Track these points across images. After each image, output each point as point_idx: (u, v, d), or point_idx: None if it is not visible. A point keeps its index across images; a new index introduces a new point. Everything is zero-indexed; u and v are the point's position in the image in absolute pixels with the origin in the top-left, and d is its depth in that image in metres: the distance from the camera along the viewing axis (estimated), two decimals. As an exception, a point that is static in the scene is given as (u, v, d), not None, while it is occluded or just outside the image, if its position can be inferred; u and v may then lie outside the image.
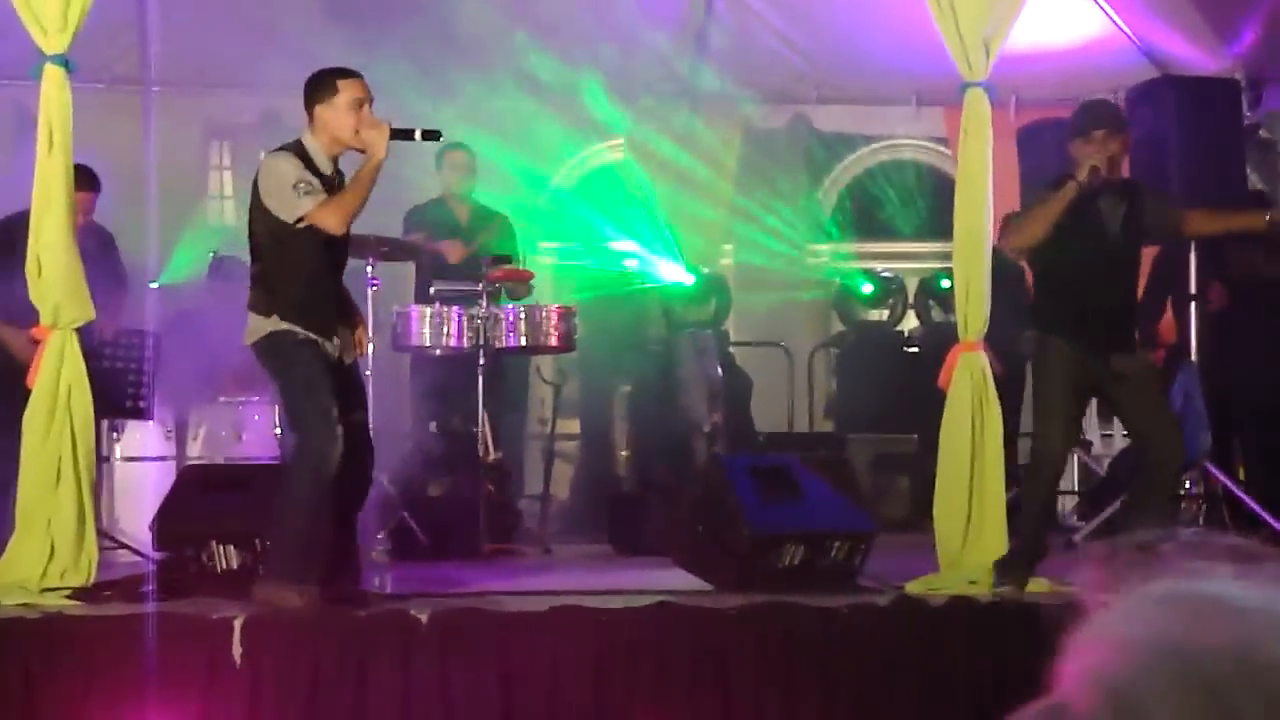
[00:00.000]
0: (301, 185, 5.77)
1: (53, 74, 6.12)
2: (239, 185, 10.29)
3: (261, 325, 5.91)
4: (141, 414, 7.67)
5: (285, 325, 5.87)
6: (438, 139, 6.26)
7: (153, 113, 9.25)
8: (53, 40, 6.10)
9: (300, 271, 5.91)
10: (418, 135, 6.08)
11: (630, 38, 9.13)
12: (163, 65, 9.23)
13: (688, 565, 6.65)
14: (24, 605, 5.87)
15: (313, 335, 5.89)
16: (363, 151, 5.87)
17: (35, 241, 6.18)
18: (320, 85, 5.91)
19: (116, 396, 7.37)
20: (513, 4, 8.77)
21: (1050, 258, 6.35)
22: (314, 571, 5.78)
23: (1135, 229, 6.39)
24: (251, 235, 5.97)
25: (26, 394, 6.22)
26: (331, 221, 5.81)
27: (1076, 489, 9.52)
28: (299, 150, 5.88)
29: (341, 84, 5.89)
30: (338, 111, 5.86)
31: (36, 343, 6.25)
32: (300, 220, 5.79)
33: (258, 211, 5.89)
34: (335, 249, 6.02)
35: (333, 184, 5.91)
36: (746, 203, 10.43)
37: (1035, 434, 6.42)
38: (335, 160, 5.97)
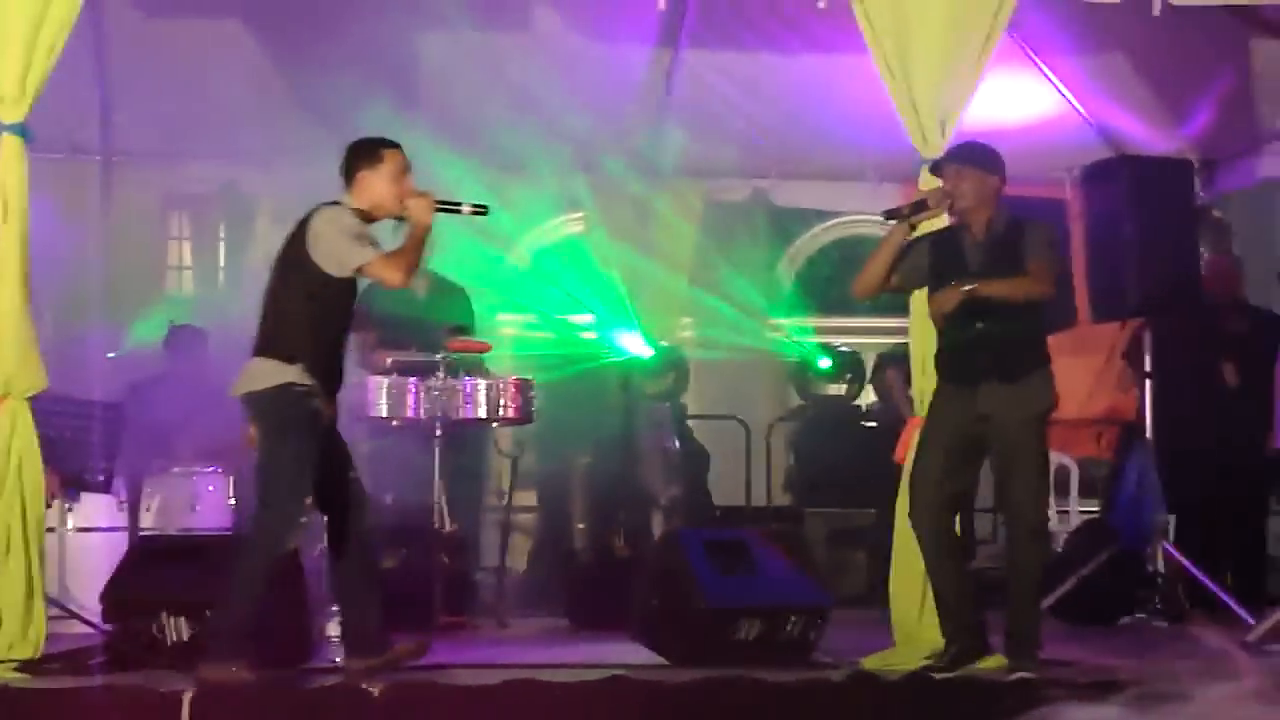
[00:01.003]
0: (365, 237, 5.88)
1: (9, 143, 6.11)
2: (197, 255, 10.29)
3: (277, 373, 5.83)
4: (103, 487, 7.64)
5: (305, 380, 5.83)
6: (485, 213, 6.22)
7: (112, 182, 9.26)
8: (9, 109, 6.09)
9: (328, 329, 5.94)
10: (465, 209, 6.13)
11: (591, 111, 9.18)
12: (122, 135, 9.24)
13: (645, 639, 6.64)
14: (-29, 678, 5.81)
15: (317, 398, 5.89)
16: (400, 219, 5.96)
17: (-10, 310, 6.15)
18: (365, 152, 6.03)
19: (76, 469, 7.32)
20: (474, 78, 8.81)
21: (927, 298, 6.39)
22: (250, 647, 5.74)
23: (1000, 265, 6.14)
24: (279, 285, 5.93)
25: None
26: (395, 275, 5.86)
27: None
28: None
29: (387, 153, 6.02)
30: (383, 178, 5.98)
31: None
32: (359, 270, 5.85)
33: (296, 261, 5.88)
34: (348, 316, 6.07)
35: None
36: (706, 276, 10.47)
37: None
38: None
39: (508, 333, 10.41)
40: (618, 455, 9.13)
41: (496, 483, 9.46)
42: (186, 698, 5.38)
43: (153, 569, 6.54)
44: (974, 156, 6.27)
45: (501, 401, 7.97)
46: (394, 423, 7.95)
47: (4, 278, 6.14)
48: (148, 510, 7.98)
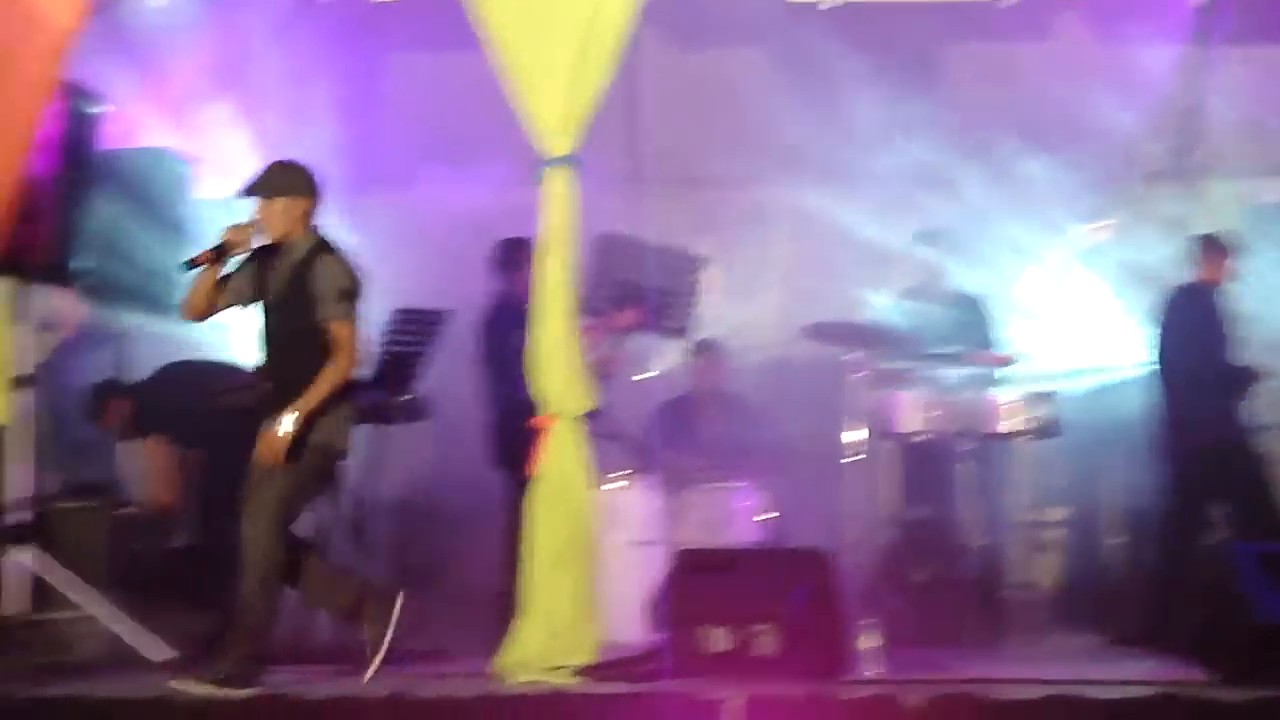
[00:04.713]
0: None
1: (559, 175, 6.45)
2: (723, 279, 10.49)
3: None
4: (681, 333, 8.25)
5: None
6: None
7: (641, 210, 9.58)
8: (559, 142, 6.43)
9: None
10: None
11: (1118, 115, 8.95)
12: (651, 162, 9.57)
13: (1188, 656, 6.42)
14: (531, 682, 6.14)
15: None
16: None
17: (539, 335, 6.50)
18: None
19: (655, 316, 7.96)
20: (991, 88, 8.74)
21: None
22: None
23: (296, 295, 6.31)
24: None
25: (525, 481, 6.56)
26: None
27: None
28: None
29: None
30: None
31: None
32: None
33: None
34: None
35: None
36: (1243, 281, 9.97)
37: None
38: None
39: (1030, 344, 10.23)
40: (1152, 468, 8.82)
41: (1022, 497, 9.30)
42: (732, 704, 5.53)
43: (694, 581, 6.75)
44: (280, 185, 6.35)
45: (1027, 415, 7.89)
46: (919, 437, 7.97)
47: (553, 303, 6.49)
48: (683, 524, 8.19)
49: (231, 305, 6.52)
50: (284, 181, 6.42)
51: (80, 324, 9.00)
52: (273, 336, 6.42)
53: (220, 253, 6.37)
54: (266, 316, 6.46)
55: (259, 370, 6.49)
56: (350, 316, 6.34)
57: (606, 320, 7.83)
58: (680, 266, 8.03)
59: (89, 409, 8.19)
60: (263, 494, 6.23)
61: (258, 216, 6.39)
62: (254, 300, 6.50)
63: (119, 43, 7.81)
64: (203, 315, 6.50)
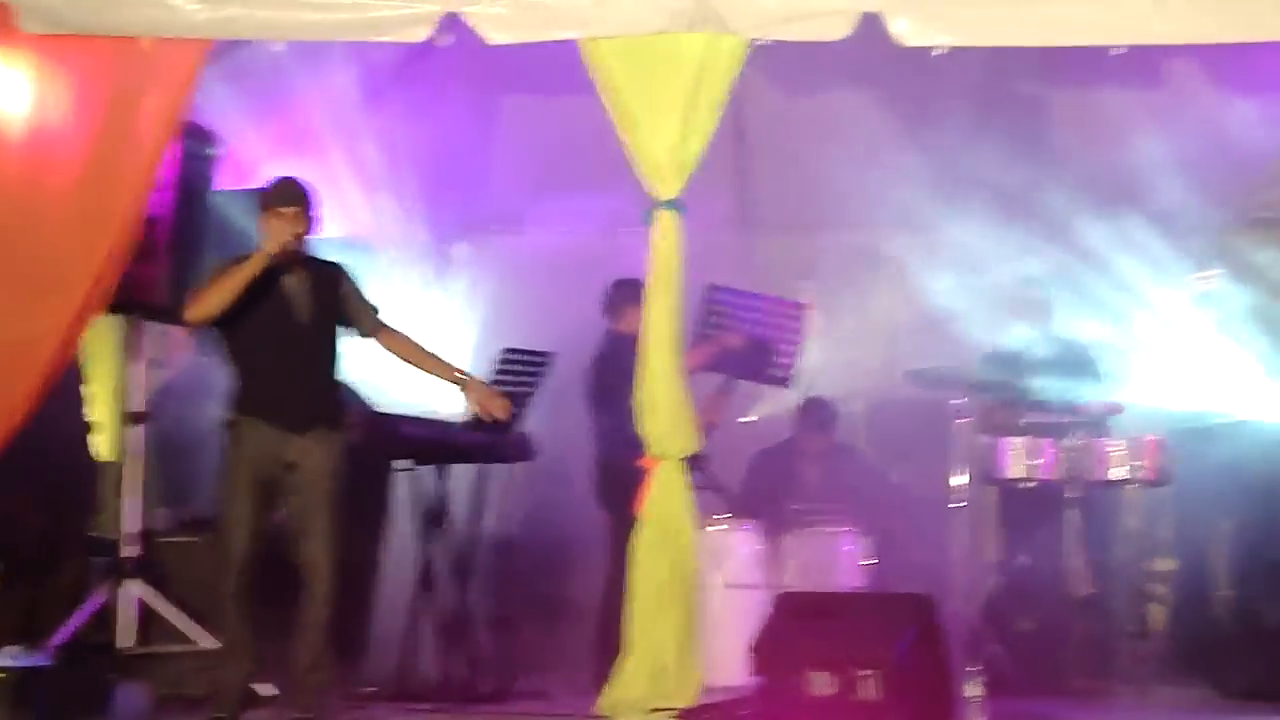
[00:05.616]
0: None
1: (665, 218, 6.48)
2: (828, 323, 10.48)
3: None
4: (785, 382, 8.35)
5: None
6: None
7: (748, 254, 9.61)
8: (667, 186, 6.46)
9: None
10: None
11: (1226, 167, 8.85)
12: (759, 206, 9.59)
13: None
14: (634, 723, 6.15)
15: None
16: None
17: (646, 376, 6.52)
18: None
19: (759, 364, 8.13)
20: (1107, 136, 8.69)
21: (238, 333, 6.46)
22: None
23: (324, 310, 6.51)
24: None
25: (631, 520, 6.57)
26: None
27: None
28: None
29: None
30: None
31: None
32: None
33: None
34: None
35: None
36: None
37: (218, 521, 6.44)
38: None
39: (1134, 391, 10.11)
40: (1264, 519, 8.68)
41: (1130, 546, 9.18)
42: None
43: (796, 625, 6.72)
44: (303, 199, 6.50)
45: (1139, 462, 7.82)
46: (1025, 483, 7.91)
47: (658, 345, 6.50)
48: (786, 569, 8.17)
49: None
50: (305, 196, 6.58)
51: (190, 361, 9.16)
52: (290, 345, 6.49)
53: (282, 252, 6.44)
54: (277, 326, 6.49)
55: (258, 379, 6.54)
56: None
57: (710, 342, 7.88)
58: (785, 314, 8.04)
59: None
60: (332, 520, 6.39)
61: (293, 226, 6.46)
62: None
63: (236, 86, 7.93)
64: (213, 317, 6.47)
